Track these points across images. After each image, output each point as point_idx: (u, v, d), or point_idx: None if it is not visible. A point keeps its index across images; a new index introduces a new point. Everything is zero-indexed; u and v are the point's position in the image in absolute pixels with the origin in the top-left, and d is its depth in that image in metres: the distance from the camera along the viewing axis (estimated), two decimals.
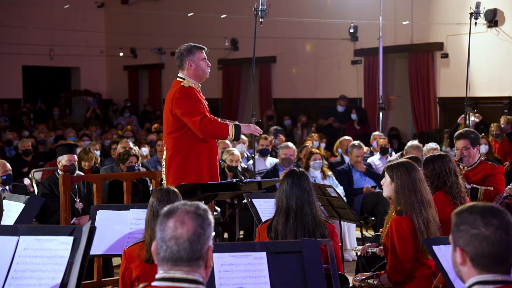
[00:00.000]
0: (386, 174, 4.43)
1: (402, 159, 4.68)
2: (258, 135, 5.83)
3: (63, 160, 6.56)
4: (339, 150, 9.87)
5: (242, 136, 10.19)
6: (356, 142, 9.02)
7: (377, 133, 10.81)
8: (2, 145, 10.79)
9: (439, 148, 8.15)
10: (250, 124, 5.71)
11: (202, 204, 2.41)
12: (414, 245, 4.24)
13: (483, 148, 8.61)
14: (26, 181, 7.40)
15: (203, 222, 2.36)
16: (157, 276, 2.37)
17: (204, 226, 2.36)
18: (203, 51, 5.58)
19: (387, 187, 4.43)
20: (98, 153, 9.76)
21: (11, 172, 6.67)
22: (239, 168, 8.54)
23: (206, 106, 5.60)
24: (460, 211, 2.35)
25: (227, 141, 9.73)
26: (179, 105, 5.42)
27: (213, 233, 2.43)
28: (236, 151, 8.47)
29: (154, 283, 2.36)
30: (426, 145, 8.20)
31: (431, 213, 4.27)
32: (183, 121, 5.44)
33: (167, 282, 2.34)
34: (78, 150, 9.11)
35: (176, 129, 5.48)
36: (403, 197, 4.26)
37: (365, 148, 10.07)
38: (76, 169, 6.81)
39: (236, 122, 5.60)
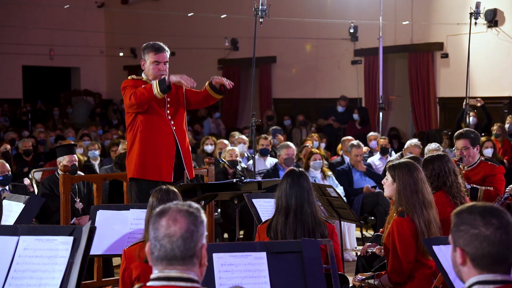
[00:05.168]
0: (387, 174, 4.42)
1: (404, 159, 4.68)
2: (189, 86, 5.25)
3: (64, 161, 6.55)
4: (342, 150, 9.88)
5: (242, 136, 10.22)
6: (355, 142, 9.03)
7: (372, 133, 10.78)
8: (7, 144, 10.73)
9: (441, 149, 8.15)
10: (182, 76, 5.22)
11: (194, 203, 2.42)
12: (415, 246, 4.24)
13: (489, 152, 8.61)
14: (26, 181, 7.39)
15: (196, 219, 2.37)
16: (152, 276, 2.38)
17: (196, 224, 2.37)
18: (158, 53, 5.33)
19: (389, 187, 4.42)
20: (97, 152, 9.77)
21: (9, 172, 6.65)
22: (239, 167, 8.56)
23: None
24: (459, 211, 2.35)
25: (225, 141, 9.75)
26: (123, 97, 5.39)
27: (206, 233, 2.44)
28: (232, 146, 8.59)
29: (149, 283, 2.37)
30: (428, 145, 8.19)
31: (432, 214, 4.27)
32: (130, 116, 5.38)
33: (162, 281, 2.35)
34: (80, 150, 9.15)
35: (128, 125, 5.46)
36: (404, 197, 4.26)
37: (365, 148, 10.07)
38: (77, 169, 6.82)
39: (164, 76, 5.23)
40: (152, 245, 2.37)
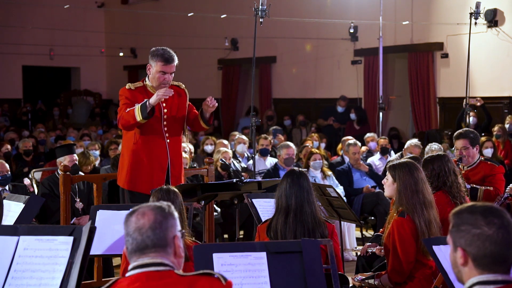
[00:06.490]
0: (388, 174, 4.42)
1: (405, 159, 4.68)
2: (168, 94, 5.13)
3: (65, 161, 6.55)
4: (342, 150, 9.87)
5: (242, 136, 10.21)
6: (352, 141, 9.04)
7: (369, 134, 10.76)
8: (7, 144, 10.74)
9: (442, 149, 8.14)
10: (159, 91, 5.14)
11: (165, 202, 2.54)
12: (415, 246, 4.24)
13: (488, 152, 8.61)
14: (26, 181, 7.39)
15: (163, 211, 2.48)
16: (129, 267, 2.47)
17: (165, 215, 2.47)
18: (167, 64, 5.25)
19: (389, 187, 4.42)
20: (97, 153, 9.77)
21: (8, 173, 6.63)
22: (239, 167, 8.55)
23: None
24: (459, 211, 2.34)
25: (225, 141, 9.74)
26: None
27: (182, 230, 2.54)
28: (226, 148, 8.60)
29: (127, 274, 2.46)
30: (429, 145, 8.18)
31: (433, 214, 4.27)
32: None
33: (137, 269, 2.44)
34: (80, 150, 9.15)
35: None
36: (405, 197, 4.26)
37: (364, 148, 10.06)
38: (79, 169, 6.81)
39: (146, 100, 5.14)
40: (126, 241, 2.47)
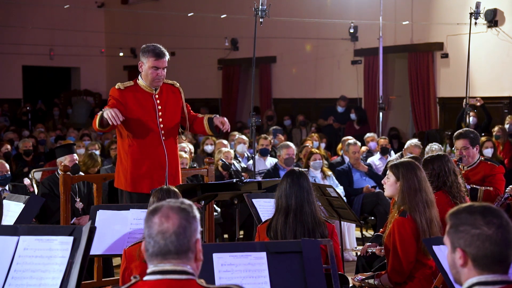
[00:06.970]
0: (390, 173, 4.42)
1: (406, 159, 4.68)
2: (115, 122, 4.94)
3: (65, 161, 6.54)
4: (342, 150, 9.87)
5: (242, 136, 10.22)
6: (352, 140, 9.04)
7: (369, 134, 10.76)
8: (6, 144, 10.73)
9: (442, 149, 8.12)
10: (108, 112, 4.96)
11: (186, 200, 2.46)
12: (416, 247, 4.24)
13: (488, 152, 8.61)
14: (26, 181, 7.39)
15: (188, 215, 2.41)
16: (148, 270, 2.42)
17: (189, 219, 2.40)
18: (158, 59, 5.17)
19: (391, 186, 4.41)
20: (97, 152, 9.76)
21: (8, 173, 6.62)
22: (239, 167, 8.54)
23: (138, 110, 5.26)
24: (457, 211, 2.34)
25: (225, 141, 9.75)
26: None
27: (201, 228, 2.47)
28: (228, 148, 8.60)
29: (145, 278, 2.42)
30: (429, 145, 8.17)
31: (434, 213, 4.28)
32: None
33: (157, 275, 2.39)
34: (81, 150, 9.15)
35: (116, 131, 5.41)
36: (408, 196, 4.26)
37: (364, 148, 10.06)
38: (79, 169, 6.80)
39: (107, 110, 5.00)
40: (147, 242, 2.41)
